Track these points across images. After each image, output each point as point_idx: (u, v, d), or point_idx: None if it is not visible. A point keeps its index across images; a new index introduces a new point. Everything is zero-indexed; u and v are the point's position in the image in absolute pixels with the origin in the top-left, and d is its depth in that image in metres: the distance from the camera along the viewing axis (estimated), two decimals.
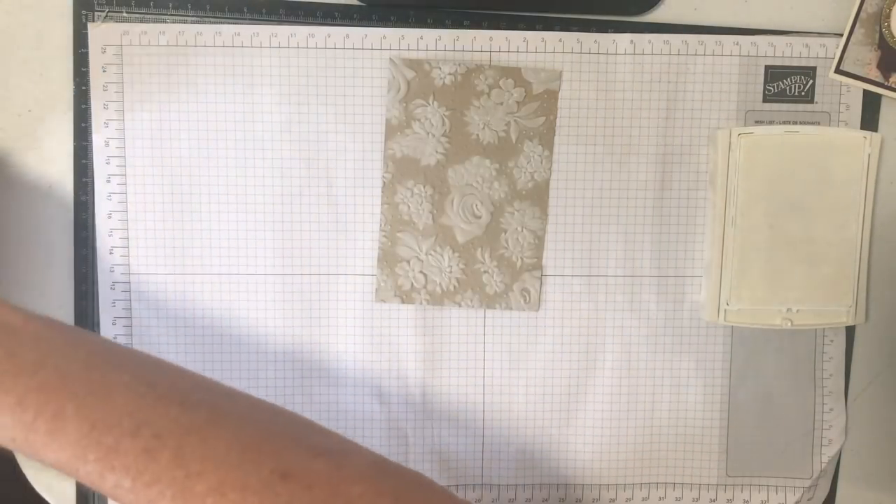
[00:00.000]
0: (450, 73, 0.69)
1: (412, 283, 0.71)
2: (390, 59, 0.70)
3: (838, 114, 0.71)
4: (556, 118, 0.70)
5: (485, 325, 0.73)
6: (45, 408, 0.45)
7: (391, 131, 0.70)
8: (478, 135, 0.70)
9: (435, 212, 0.71)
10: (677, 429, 0.74)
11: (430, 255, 0.71)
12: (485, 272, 0.72)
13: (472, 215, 0.71)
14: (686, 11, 0.71)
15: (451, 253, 0.71)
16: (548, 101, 0.70)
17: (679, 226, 0.72)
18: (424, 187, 0.71)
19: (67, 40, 0.70)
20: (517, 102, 0.70)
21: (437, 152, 0.70)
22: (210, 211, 0.71)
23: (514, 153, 0.71)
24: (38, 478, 0.73)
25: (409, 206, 0.71)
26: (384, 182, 0.71)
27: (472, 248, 0.71)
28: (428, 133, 0.70)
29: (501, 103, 0.70)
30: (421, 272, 0.72)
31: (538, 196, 0.71)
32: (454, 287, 0.72)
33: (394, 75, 0.70)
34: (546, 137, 0.71)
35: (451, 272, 0.72)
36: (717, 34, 0.70)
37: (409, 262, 0.71)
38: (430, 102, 0.70)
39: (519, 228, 0.71)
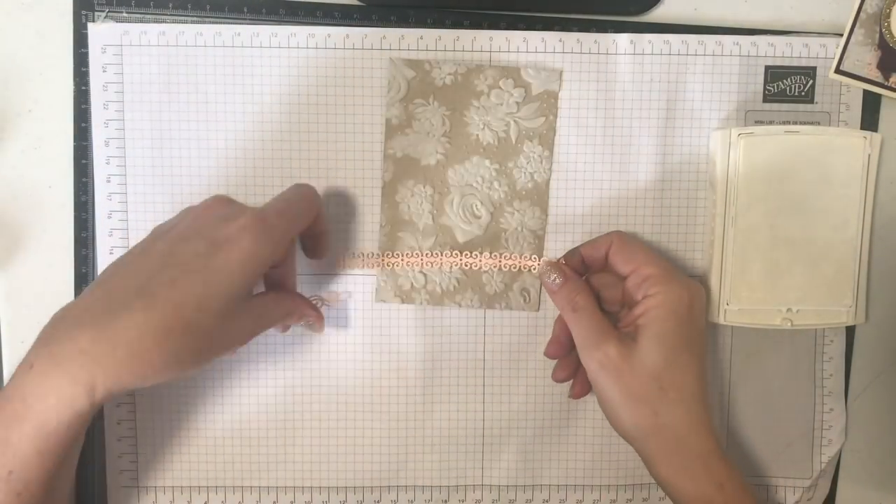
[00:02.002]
0: (450, 73, 0.69)
1: (412, 283, 0.71)
2: (390, 58, 0.70)
3: (838, 114, 0.71)
4: (556, 118, 0.70)
5: (485, 325, 0.73)
6: None
7: (391, 131, 0.70)
8: (478, 135, 0.70)
9: (435, 212, 0.71)
10: None
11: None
12: (485, 272, 0.72)
13: (472, 215, 0.71)
14: (686, 11, 0.71)
15: (452, 253, 0.71)
16: (548, 101, 0.70)
17: (679, 226, 0.72)
18: (424, 187, 0.71)
19: (67, 40, 0.70)
20: (517, 103, 0.70)
21: (437, 152, 0.70)
22: None
23: (513, 153, 0.71)
24: None
25: (409, 206, 0.71)
26: (384, 182, 0.71)
27: (472, 248, 0.71)
28: (428, 133, 0.70)
29: (501, 103, 0.70)
30: (421, 272, 0.72)
31: (538, 196, 0.71)
32: (454, 287, 0.72)
33: (394, 75, 0.70)
34: (546, 137, 0.70)
35: (451, 272, 0.71)
36: (717, 34, 0.70)
37: (409, 261, 0.71)
38: (431, 102, 0.70)
39: (519, 228, 0.71)
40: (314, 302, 0.71)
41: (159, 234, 0.61)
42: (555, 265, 0.70)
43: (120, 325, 0.52)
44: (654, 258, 0.67)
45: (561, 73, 0.70)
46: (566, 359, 0.71)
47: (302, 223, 0.63)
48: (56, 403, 0.52)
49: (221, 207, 0.60)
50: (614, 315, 0.70)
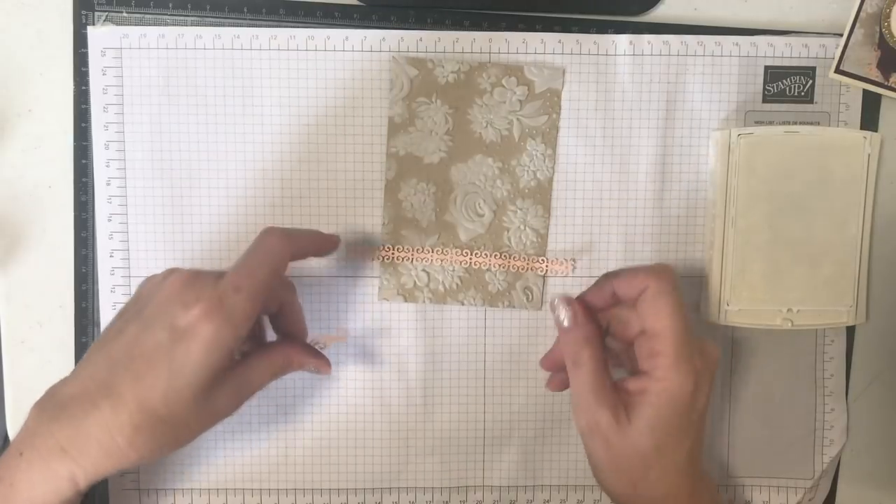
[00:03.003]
0: (452, 72, 0.69)
1: (415, 282, 0.71)
2: (393, 57, 0.70)
3: (838, 114, 0.72)
4: (559, 116, 0.70)
5: (486, 326, 0.73)
6: None
7: (394, 129, 0.70)
8: (480, 133, 0.70)
9: (438, 210, 0.71)
10: None
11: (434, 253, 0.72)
12: (487, 270, 0.72)
13: (474, 213, 0.71)
14: (686, 11, 0.71)
15: (454, 251, 0.71)
16: (551, 99, 0.70)
17: (679, 226, 0.72)
18: (427, 185, 0.71)
19: (67, 40, 0.70)
20: (520, 101, 0.70)
21: (439, 150, 0.70)
22: (210, 214, 0.71)
23: (516, 151, 0.71)
24: None
25: (411, 204, 0.71)
26: (387, 180, 0.71)
27: (475, 246, 0.71)
28: (431, 131, 0.70)
29: (504, 101, 0.70)
30: (424, 270, 0.72)
31: (541, 194, 0.71)
32: (457, 285, 0.72)
33: (396, 73, 0.70)
34: (549, 136, 0.71)
35: (453, 270, 0.72)
36: (716, 34, 0.71)
37: (411, 260, 0.71)
38: (433, 100, 0.70)
39: (521, 227, 0.71)
40: (317, 343, 0.69)
41: (140, 305, 0.60)
42: (568, 302, 0.65)
43: (90, 425, 0.55)
44: (672, 329, 0.61)
45: (564, 71, 0.70)
46: (562, 374, 0.69)
47: (266, 287, 0.61)
48: (43, 493, 0.55)
49: (183, 290, 0.58)
50: (621, 351, 0.68)
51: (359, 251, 0.72)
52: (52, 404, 0.57)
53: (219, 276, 0.60)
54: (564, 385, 0.69)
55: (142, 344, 0.56)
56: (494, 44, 0.70)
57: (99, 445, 0.55)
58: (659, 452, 0.61)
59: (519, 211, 0.71)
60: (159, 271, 0.70)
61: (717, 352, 0.64)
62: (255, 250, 0.61)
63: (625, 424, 0.61)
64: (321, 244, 0.68)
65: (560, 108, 0.71)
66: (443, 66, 0.69)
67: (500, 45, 0.70)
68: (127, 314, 0.61)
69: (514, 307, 0.72)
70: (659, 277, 0.62)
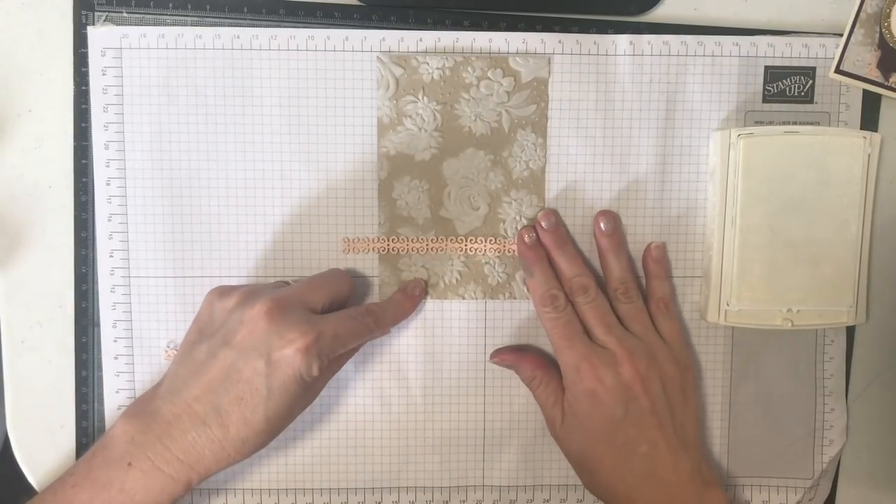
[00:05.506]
0: (437, 68, 0.69)
1: (415, 279, 0.72)
2: (377, 56, 0.70)
3: (838, 114, 0.72)
4: (547, 106, 0.70)
5: (486, 324, 0.73)
6: None
7: (383, 129, 0.70)
8: (470, 127, 0.70)
9: (433, 206, 0.71)
10: None
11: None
12: (486, 263, 0.72)
13: (469, 207, 0.71)
14: (686, 11, 0.71)
15: (450, 240, 0.72)
16: (538, 88, 0.70)
17: (679, 226, 0.72)
18: (420, 182, 0.71)
19: (67, 40, 0.70)
20: (507, 92, 0.70)
21: (430, 147, 0.71)
22: (210, 213, 0.71)
23: (507, 143, 0.71)
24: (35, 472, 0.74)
25: (406, 202, 0.71)
26: (380, 180, 0.71)
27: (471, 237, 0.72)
28: (420, 129, 0.70)
29: (491, 94, 0.70)
30: (423, 266, 0.72)
31: (534, 184, 0.71)
32: (457, 280, 0.72)
33: (382, 73, 0.70)
34: (539, 125, 0.71)
35: (452, 265, 0.72)
36: (716, 34, 0.71)
37: (410, 257, 0.72)
38: (420, 98, 0.70)
39: (517, 217, 0.71)
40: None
41: (223, 329, 0.65)
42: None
43: (204, 442, 0.63)
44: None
45: (549, 59, 0.70)
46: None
47: (352, 347, 0.68)
48: (159, 495, 0.63)
49: (280, 320, 0.63)
50: None
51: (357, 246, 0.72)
52: (157, 422, 0.63)
53: (301, 302, 0.66)
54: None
55: (240, 370, 0.62)
56: (494, 44, 0.70)
57: (212, 455, 0.63)
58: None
59: (514, 202, 0.71)
60: (159, 272, 0.70)
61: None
62: (355, 318, 0.67)
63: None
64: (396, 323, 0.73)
65: (548, 97, 0.71)
66: (427, 63, 0.69)
67: (499, 45, 0.70)
68: (205, 334, 0.66)
69: (514, 298, 0.73)
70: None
